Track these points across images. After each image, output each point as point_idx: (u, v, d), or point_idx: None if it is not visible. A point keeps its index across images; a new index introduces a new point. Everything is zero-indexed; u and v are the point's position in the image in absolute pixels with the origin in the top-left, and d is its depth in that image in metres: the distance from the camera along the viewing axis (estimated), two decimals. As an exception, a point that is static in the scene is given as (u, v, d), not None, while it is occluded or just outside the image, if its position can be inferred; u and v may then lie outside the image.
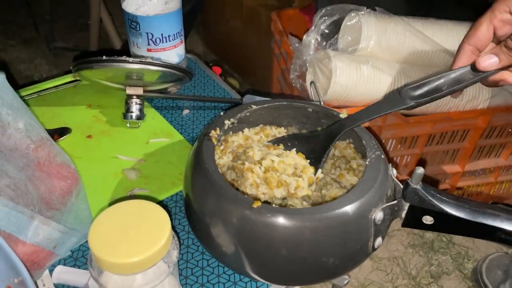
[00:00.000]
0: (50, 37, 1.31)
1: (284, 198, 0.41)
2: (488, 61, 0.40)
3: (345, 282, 0.46)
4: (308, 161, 0.44)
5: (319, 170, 0.43)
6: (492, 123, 0.70)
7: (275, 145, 0.46)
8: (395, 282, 0.80)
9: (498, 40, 0.43)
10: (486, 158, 0.78)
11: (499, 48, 0.40)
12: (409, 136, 0.69)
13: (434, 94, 0.41)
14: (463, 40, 0.43)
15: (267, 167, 0.41)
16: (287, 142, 0.47)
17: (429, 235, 0.85)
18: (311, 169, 0.43)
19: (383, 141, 0.69)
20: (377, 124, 0.66)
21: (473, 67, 0.41)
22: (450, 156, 0.76)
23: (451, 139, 0.72)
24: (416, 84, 0.42)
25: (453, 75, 0.41)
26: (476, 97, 0.66)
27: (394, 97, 0.42)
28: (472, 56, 0.42)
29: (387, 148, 0.71)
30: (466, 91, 0.65)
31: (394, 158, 0.73)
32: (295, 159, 0.43)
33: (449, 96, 0.64)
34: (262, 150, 0.44)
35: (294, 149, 0.45)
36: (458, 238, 0.87)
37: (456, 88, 0.41)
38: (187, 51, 0.69)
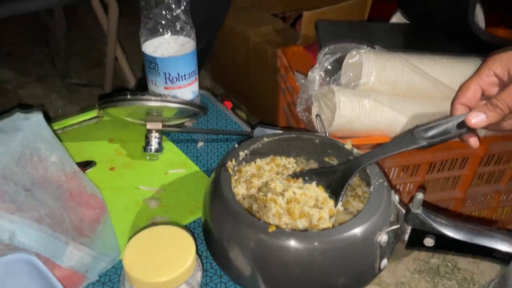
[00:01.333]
0: (65, 73, 1.38)
1: (305, 230, 0.43)
2: (476, 119, 0.44)
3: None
4: (328, 193, 0.47)
5: (339, 203, 0.46)
6: (489, 151, 0.74)
7: (294, 178, 0.50)
8: (403, 308, 0.82)
9: (487, 97, 0.47)
10: (487, 184, 0.81)
11: (485, 106, 0.44)
12: (411, 164, 0.73)
13: (444, 136, 0.45)
14: (454, 98, 0.47)
15: (290, 198, 0.44)
16: (305, 176, 0.50)
17: (435, 260, 0.87)
18: (331, 202, 0.46)
19: (386, 169, 0.72)
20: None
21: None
22: (452, 182, 0.79)
23: (451, 167, 0.76)
24: (427, 126, 0.45)
25: (460, 119, 0.45)
26: (473, 127, 0.70)
27: (407, 137, 0.46)
28: (465, 111, 0.46)
29: (390, 176, 0.75)
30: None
31: (397, 186, 0.77)
32: (316, 191, 0.47)
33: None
34: (283, 183, 0.48)
35: (314, 182, 0.49)
36: (463, 263, 0.89)
37: (463, 132, 0.45)
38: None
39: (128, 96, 0.53)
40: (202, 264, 0.45)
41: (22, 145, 0.43)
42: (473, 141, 0.48)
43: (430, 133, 0.45)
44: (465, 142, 0.48)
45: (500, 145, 0.73)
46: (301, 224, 0.43)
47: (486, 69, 0.46)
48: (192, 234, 0.50)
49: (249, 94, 1.25)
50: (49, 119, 0.66)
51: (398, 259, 0.88)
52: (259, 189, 0.48)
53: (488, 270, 0.88)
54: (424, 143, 0.44)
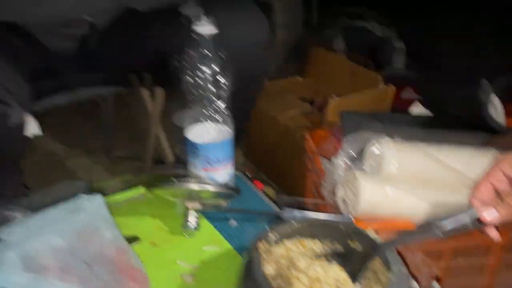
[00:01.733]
0: (110, 147, 1.50)
1: None
2: (491, 216, 0.48)
3: None
4: (348, 275, 0.51)
5: (358, 286, 0.50)
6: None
7: (318, 258, 0.54)
8: None
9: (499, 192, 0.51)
10: (514, 272, 0.80)
11: (497, 204, 0.48)
12: (435, 249, 0.75)
13: (462, 229, 0.49)
14: (470, 195, 0.52)
15: (312, 277, 0.48)
16: (328, 256, 0.55)
17: None
18: (351, 283, 0.49)
19: (409, 253, 0.75)
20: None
21: None
22: (478, 270, 0.79)
23: (475, 253, 0.77)
24: (447, 220, 0.49)
25: (475, 213, 0.49)
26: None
27: (427, 228, 0.50)
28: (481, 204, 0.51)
29: (415, 261, 0.76)
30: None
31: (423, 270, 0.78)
32: (337, 272, 0.50)
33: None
34: (307, 261, 0.51)
35: (335, 262, 0.52)
36: None
37: (481, 225, 0.49)
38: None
39: (175, 181, 0.61)
40: None
41: (84, 224, 0.50)
42: (493, 234, 0.51)
43: (450, 227, 0.49)
44: (489, 235, 0.51)
45: (523, 233, 0.75)
46: None
47: (497, 170, 0.50)
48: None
49: (278, 171, 1.32)
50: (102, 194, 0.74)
51: None
52: (286, 266, 0.52)
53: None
54: (441, 235, 0.48)
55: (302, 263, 0.51)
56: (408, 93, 1.25)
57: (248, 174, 1.07)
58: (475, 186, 0.52)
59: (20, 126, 0.74)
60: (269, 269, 0.53)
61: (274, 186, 1.32)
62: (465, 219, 0.49)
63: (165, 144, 1.23)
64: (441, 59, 1.59)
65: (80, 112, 1.78)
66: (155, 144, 1.29)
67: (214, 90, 0.72)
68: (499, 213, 0.47)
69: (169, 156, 1.24)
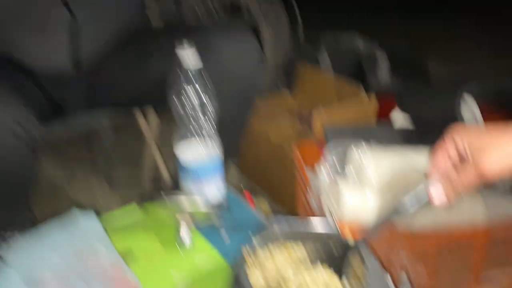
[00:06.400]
0: (109, 172, 1.55)
1: None
2: (438, 198, 0.51)
3: None
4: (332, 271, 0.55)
5: (346, 282, 0.53)
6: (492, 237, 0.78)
7: (303, 262, 0.57)
8: None
9: (454, 163, 0.54)
10: (500, 267, 0.83)
11: (444, 186, 0.51)
12: (418, 248, 0.78)
13: (422, 203, 0.53)
14: (428, 167, 0.55)
15: (301, 285, 0.51)
16: (312, 258, 0.58)
17: None
18: (338, 282, 0.53)
19: (393, 250, 0.78)
20: (385, 236, 0.76)
21: None
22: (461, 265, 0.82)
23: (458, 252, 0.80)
24: (407, 197, 0.53)
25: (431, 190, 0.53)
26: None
27: (391, 209, 0.54)
28: (439, 173, 0.54)
29: (398, 258, 0.79)
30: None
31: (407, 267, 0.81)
32: (323, 275, 0.54)
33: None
34: (293, 269, 0.55)
35: (321, 266, 0.56)
36: None
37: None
38: (225, 176, 0.85)
39: (164, 196, 0.65)
40: None
41: (79, 240, 0.53)
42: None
43: (410, 203, 0.53)
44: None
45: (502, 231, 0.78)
46: None
47: (449, 137, 0.53)
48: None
49: (271, 185, 1.36)
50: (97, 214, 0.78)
51: None
52: (275, 279, 0.55)
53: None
54: (406, 212, 0.52)
55: (289, 273, 0.54)
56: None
57: (240, 187, 1.11)
58: (432, 154, 0.54)
59: (32, 161, 0.78)
60: (257, 276, 0.56)
61: (268, 199, 1.36)
62: (423, 193, 0.52)
63: (162, 167, 1.28)
64: (425, 70, 1.65)
65: (78, 140, 1.83)
66: (152, 167, 1.34)
67: (202, 117, 0.77)
68: (446, 195, 0.50)
69: (166, 177, 1.28)
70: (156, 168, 1.33)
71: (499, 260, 0.82)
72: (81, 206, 1.46)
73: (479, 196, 0.78)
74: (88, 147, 1.73)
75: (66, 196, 1.55)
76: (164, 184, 1.26)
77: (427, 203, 0.53)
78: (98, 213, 0.78)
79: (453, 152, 0.54)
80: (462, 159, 0.53)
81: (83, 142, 1.76)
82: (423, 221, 0.76)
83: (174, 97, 0.76)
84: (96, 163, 1.65)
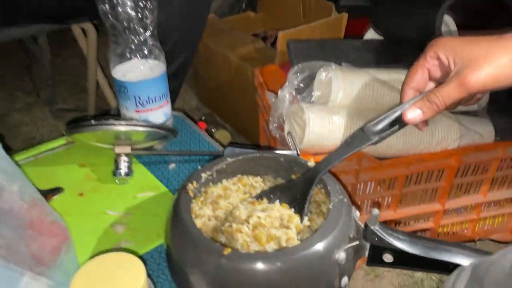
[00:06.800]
0: (52, 100, 1.39)
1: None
2: (413, 114, 0.44)
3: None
4: (293, 209, 0.47)
5: (305, 217, 0.46)
6: (464, 162, 0.74)
7: (259, 200, 0.50)
8: (389, 325, 0.80)
9: (435, 80, 0.48)
10: (466, 195, 0.80)
11: (422, 102, 0.45)
12: (386, 178, 0.73)
13: (394, 126, 0.46)
14: (403, 83, 0.48)
15: (255, 224, 0.44)
16: (269, 194, 0.50)
17: (419, 275, 0.86)
18: (297, 217, 0.46)
19: (362, 183, 0.72)
20: (354, 167, 0.70)
21: None
22: (430, 195, 0.79)
23: (428, 179, 0.75)
24: (376, 120, 0.46)
25: (406, 107, 0.46)
26: (445, 139, 0.71)
27: (359, 135, 0.46)
28: (415, 95, 0.47)
29: (367, 190, 0.74)
30: (434, 132, 0.70)
31: (376, 199, 0.76)
32: (280, 210, 0.46)
33: (419, 137, 0.68)
34: (247, 207, 0.47)
35: (278, 200, 0.48)
36: (447, 277, 0.87)
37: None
38: (181, 106, 0.74)
39: (92, 122, 0.54)
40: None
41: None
42: (421, 126, 0.48)
43: (380, 126, 0.45)
44: (417, 128, 0.48)
45: (474, 155, 0.73)
46: (270, 248, 0.42)
47: (431, 51, 0.46)
48: (158, 259, 0.49)
49: (233, 113, 1.26)
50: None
51: (381, 274, 0.87)
52: (226, 219, 0.47)
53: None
54: (376, 138, 0.45)
55: (242, 212, 0.46)
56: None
57: (197, 117, 1.01)
58: (409, 72, 0.48)
59: None
60: (205, 210, 0.48)
61: (230, 130, 1.26)
62: (395, 114, 0.45)
63: (107, 91, 1.13)
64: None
65: (18, 65, 1.63)
66: (99, 93, 1.20)
67: (137, 20, 0.63)
68: (423, 112, 0.44)
69: (114, 104, 1.15)
70: (103, 95, 1.18)
71: (466, 186, 0.79)
72: (23, 136, 1.33)
73: (453, 118, 0.71)
74: (28, 75, 1.55)
75: (5, 125, 1.40)
76: (110, 110, 1.13)
77: (400, 126, 0.45)
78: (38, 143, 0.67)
79: (434, 68, 0.47)
80: (444, 75, 0.47)
81: (22, 69, 1.57)
82: (393, 148, 0.69)
83: (105, 6, 0.62)
84: (39, 92, 1.48)
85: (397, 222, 0.80)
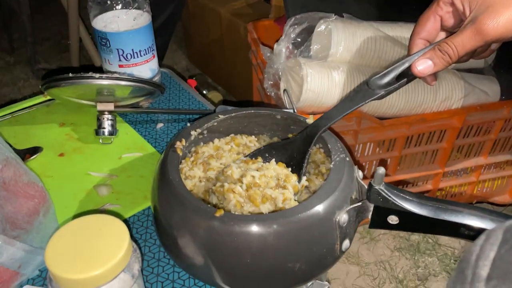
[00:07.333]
0: (33, 60, 1.32)
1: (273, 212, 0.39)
2: (423, 66, 0.40)
3: (325, 288, 0.45)
4: (290, 169, 0.44)
5: (303, 177, 0.42)
6: (467, 122, 0.70)
7: (253, 158, 0.46)
8: (382, 287, 0.80)
9: (447, 29, 0.44)
10: (466, 158, 0.78)
11: (433, 52, 0.40)
12: (386, 139, 0.70)
13: (401, 80, 0.41)
14: (412, 33, 0.44)
15: (249, 184, 0.40)
16: (264, 153, 0.46)
17: (415, 237, 0.85)
18: (294, 177, 0.42)
19: (360, 145, 0.69)
20: (353, 128, 0.66)
21: None
22: (430, 157, 0.76)
23: (428, 140, 0.72)
24: (382, 73, 0.42)
25: (415, 58, 0.41)
26: (450, 97, 0.67)
27: (363, 89, 0.42)
28: (425, 46, 0.43)
29: (366, 152, 0.71)
30: (438, 91, 0.66)
31: (374, 161, 0.74)
32: (276, 169, 0.42)
33: (422, 96, 0.65)
34: (240, 166, 0.43)
35: (273, 159, 0.45)
36: (444, 239, 0.87)
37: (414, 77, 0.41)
38: (170, 66, 0.69)
39: (70, 75, 0.49)
40: (142, 253, 0.41)
41: None
42: (430, 80, 0.44)
43: (386, 79, 0.41)
44: (425, 82, 0.44)
45: (478, 115, 0.70)
46: (266, 209, 0.39)
47: None
48: (145, 222, 0.46)
49: (225, 73, 1.20)
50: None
51: (377, 237, 0.86)
52: (217, 179, 0.43)
53: (470, 245, 0.86)
54: (381, 92, 0.41)
55: (235, 171, 0.42)
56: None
57: (187, 75, 0.95)
58: (420, 21, 0.43)
59: None
60: (195, 171, 0.45)
61: (222, 91, 1.21)
62: (403, 67, 0.41)
63: (90, 47, 1.06)
64: None
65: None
66: (80, 51, 1.13)
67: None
68: (434, 64, 0.40)
69: (98, 62, 1.08)
70: (86, 52, 1.12)
71: (468, 148, 0.76)
72: (3, 98, 1.26)
73: (458, 75, 0.67)
74: (6, 32, 1.46)
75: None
76: (95, 67, 1.06)
77: (408, 79, 0.41)
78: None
79: (447, 15, 0.43)
80: (457, 23, 0.42)
81: (3, 29, 1.48)
82: (394, 108, 0.66)
83: None
84: (19, 51, 1.40)
85: (395, 185, 0.78)
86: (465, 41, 0.39)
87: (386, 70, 0.42)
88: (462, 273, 0.19)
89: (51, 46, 1.47)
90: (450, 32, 0.44)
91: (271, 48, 0.73)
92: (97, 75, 0.49)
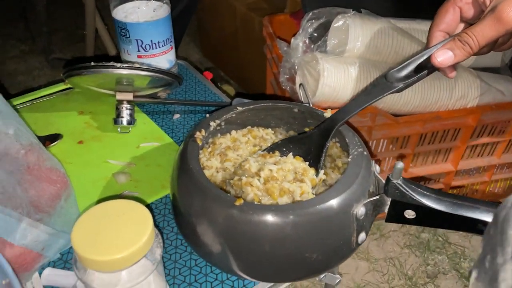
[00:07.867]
0: (48, 49, 1.33)
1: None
2: (443, 57, 0.40)
3: (337, 281, 0.46)
4: (307, 163, 0.44)
5: (321, 171, 0.42)
6: (482, 121, 0.70)
7: (270, 152, 0.46)
8: (391, 283, 0.80)
9: (466, 21, 0.44)
10: (479, 157, 0.78)
11: (453, 42, 0.40)
12: (400, 136, 0.70)
13: (420, 72, 0.41)
14: (431, 26, 0.43)
15: (266, 177, 0.40)
16: (281, 147, 0.46)
17: (425, 235, 0.85)
18: (312, 171, 0.42)
19: (374, 141, 0.69)
20: (367, 124, 0.66)
21: None
22: (443, 155, 0.76)
23: (442, 138, 0.72)
24: (401, 66, 0.42)
25: (434, 50, 0.41)
26: (465, 96, 0.67)
27: (381, 82, 0.42)
28: (445, 37, 0.43)
29: (379, 148, 0.71)
30: (454, 88, 0.66)
31: (387, 159, 0.74)
32: (294, 163, 0.43)
33: (438, 93, 0.65)
34: (258, 160, 0.43)
35: (291, 153, 0.45)
36: (454, 238, 0.87)
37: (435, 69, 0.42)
38: (183, 58, 0.70)
39: (92, 64, 0.49)
40: (163, 240, 0.42)
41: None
42: (449, 71, 0.44)
43: (405, 72, 0.41)
44: (444, 75, 0.44)
45: (493, 115, 0.70)
46: (283, 202, 0.39)
47: None
48: (163, 210, 0.47)
49: (238, 67, 1.21)
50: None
51: (387, 234, 0.86)
52: (234, 172, 0.44)
53: (480, 244, 0.86)
54: (400, 85, 0.41)
55: (252, 165, 0.42)
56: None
57: (202, 68, 0.95)
58: (439, 13, 0.43)
59: None
60: (213, 162, 0.45)
61: (234, 85, 1.22)
62: (421, 59, 0.41)
63: (106, 38, 1.07)
64: None
65: (13, 11, 1.56)
66: (98, 41, 1.14)
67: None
68: (455, 55, 0.40)
69: (113, 52, 1.09)
70: (101, 43, 1.13)
71: (481, 147, 0.76)
72: (19, 85, 1.28)
73: (474, 74, 0.67)
74: (23, 21, 1.47)
75: (2, 74, 1.35)
76: (109, 57, 1.07)
77: (428, 71, 0.41)
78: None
79: (466, 6, 0.43)
80: (477, 14, 0.43)
81: (16, 15, 1.50)
82: (409, 105, 0.66)
83: None
84: (34, 40, 1.41)
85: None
86: (485, 31, 0.39)
87: (405, 63, 0.42)
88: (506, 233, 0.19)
89: (65, 36, 1.48)
90: (470, 23, 0.44)
91: (287, 42, 0.73)
92: (118, 65, 0.50)
